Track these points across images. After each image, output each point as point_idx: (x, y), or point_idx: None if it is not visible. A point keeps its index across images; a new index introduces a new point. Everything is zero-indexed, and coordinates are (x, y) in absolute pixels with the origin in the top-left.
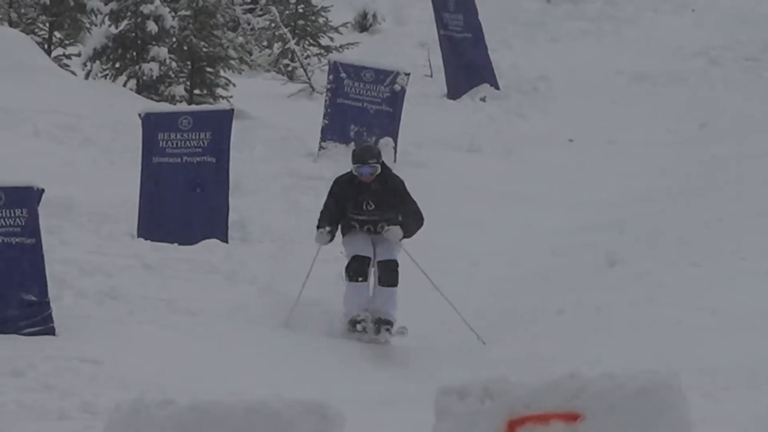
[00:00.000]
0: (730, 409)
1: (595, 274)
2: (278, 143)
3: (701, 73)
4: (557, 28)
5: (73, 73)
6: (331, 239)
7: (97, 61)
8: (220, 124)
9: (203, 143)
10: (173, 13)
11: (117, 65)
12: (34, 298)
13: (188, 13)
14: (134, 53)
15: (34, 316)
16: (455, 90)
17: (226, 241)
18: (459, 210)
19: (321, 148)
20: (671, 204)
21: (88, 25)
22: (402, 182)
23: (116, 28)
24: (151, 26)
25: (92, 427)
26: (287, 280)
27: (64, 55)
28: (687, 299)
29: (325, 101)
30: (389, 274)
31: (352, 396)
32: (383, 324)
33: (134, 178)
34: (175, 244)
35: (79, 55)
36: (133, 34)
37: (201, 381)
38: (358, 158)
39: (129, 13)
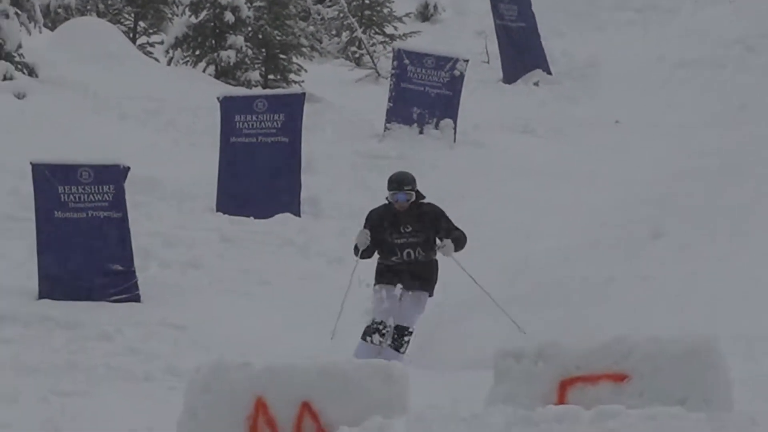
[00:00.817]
0: None
1: (641, 246)
2: (346, 125)
3: (739, 59)
4: (605, 18)
5: (157, 60)
6: (367, 253)
7: (179, 49)
8: (293, 106)
9: (277, 124)
10: (249, 4)
11: (197, 53)
12: (121, 268)
13: (263, 3)
14: (213, 41)
15: (121, 285)
16: (510, 75)
17: (299, 216)
18: (514, 187)
19: (386, 129)
20: (712, 181)
21: (170, 16)
22: (441, 210)
23: (196, 18)
24: (229, 16)
25: (175, 387)
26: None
27: (148, 43)
28: (727, 271)
29: (390, 86)
30: (399, 341)
31: (415, 360)
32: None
33: (213, 157)
34: (251, 218)
35: (161, 43)
36: (212, 24)
37: (276, 344)
38: (394, 185)
39: (208, 4)
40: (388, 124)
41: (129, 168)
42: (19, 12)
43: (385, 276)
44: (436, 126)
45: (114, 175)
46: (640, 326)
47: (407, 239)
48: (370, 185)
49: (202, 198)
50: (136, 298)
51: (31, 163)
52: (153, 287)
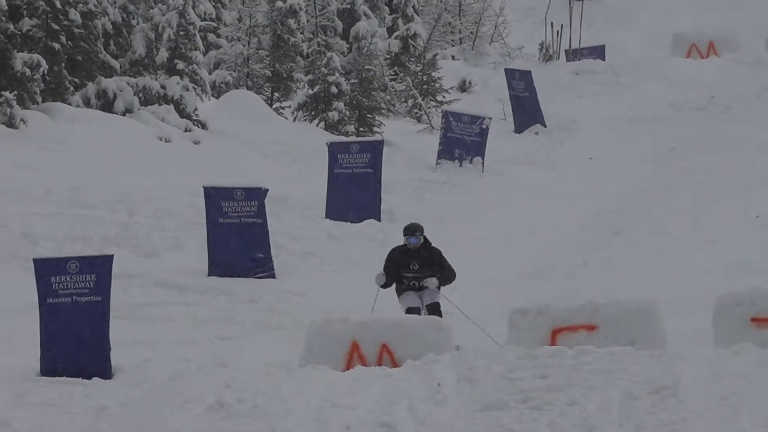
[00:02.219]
0: (693, 326)
1: (607, 241)
2: (411, 161)
3: (670, 116)
4: (582, 89)
5: (286, 118)
6: (386, 285)
7: (301, 111)
8: (376, 149)
9: (365, 160)
10: (347, 81)
11: (312, 113)
12: (262, 255)
13: (356, 81)
14: (323, 105)
15: (262, 267)
16: (519, 127)
17: (380, 221)
18: (522, 201)
19: (437, 163)
20: (652, 197)
21: (294, 89)
22: (440, 251)
23: (311, 90)
24: (333, 89)
25: (294, 336)
26: None
27: (280, 107)
28: (664, 255)
29: (440, 135)
30: (435, 313)
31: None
32: None
33: (323, 182)
34: (348, 223)
35: (289, 107)
36: (322, 94)
37: (364, 305)
38: (408, 231)
39: (320, 81)
40: (438, 161)
41: (267, 189)
42: (195, 86)
43: (403, 290)
44: (470, 161)
45: (258, 194)
46: (606, 292)
47: (414, 275)
48: (426, 200)
49: (315, 209)
50: (272, 276)
51: (203, 186)
52: (283, 268)
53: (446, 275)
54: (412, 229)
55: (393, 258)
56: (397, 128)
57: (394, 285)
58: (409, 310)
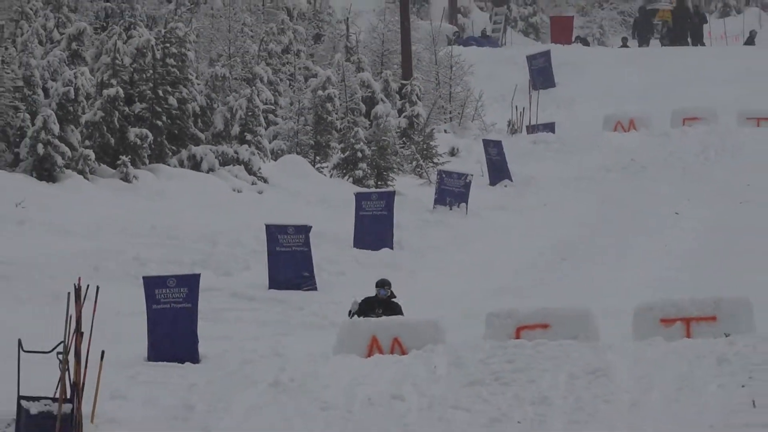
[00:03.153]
0: (619, 325)
1: (556, 265)
2: (414, 204)
3: (602, 175)
4: (538, 155)
5: (324, 175)
6: (356, 312)
7: (335, 170)
8: (390, 197)
9: (382, 205)
10: (369, 148)
11: (343, 172)
12: (307, 274)
13: (375, 148)
14: (351, 166)
15: (308, 282)
16: (493, 181)
17: (392, 249)
18: (494, 236)
19: (434, 208)
20: (591, 233)
21: (330, 154)
22: (401, 306)
23: (343, 155)
24: (359, 154)
25: (330, 332)
26: (425, 267)
27: (320, 167)
28: (599, 276)
29: (435, 188)
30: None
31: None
32: None
33: (351, 221)
34: (370, 251)
35: (327, 167)
36: (351, 158)
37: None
38: (379, 285)
39: (349, 149)
40: (434, 206)
41: (311, 226)
42: (259, 152)
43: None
44: (458, 206)
45: (304, 230)
46: (556, 301)
47: (377, 318)
48: (426, 234)
49: (346, 241)
50: (315, 289)
51: (265, 224)
52: (322, 284)
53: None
54: (382, 284)
55: (363, 305)
56: (405, 182)
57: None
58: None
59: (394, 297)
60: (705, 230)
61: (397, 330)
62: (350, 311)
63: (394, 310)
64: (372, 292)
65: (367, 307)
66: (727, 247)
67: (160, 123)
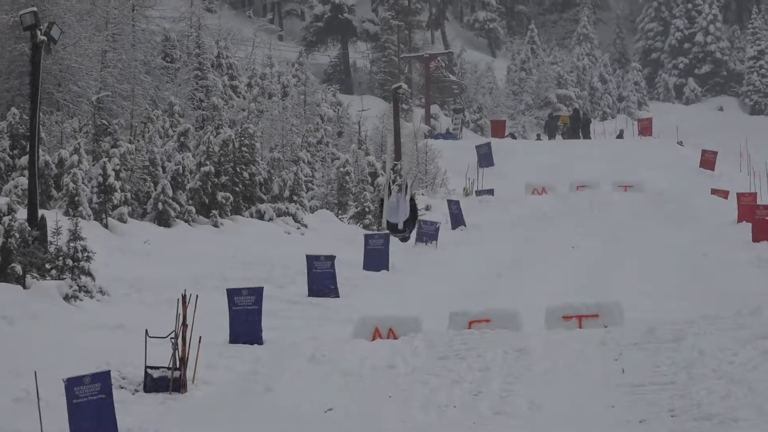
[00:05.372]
0: (536, 320)
1: (494, 279)
2: (402, 244)
3: (525, 221)
4: (483, 209)
5: (345, 222)
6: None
7: (351, 219)
8: (387, 237)
9: (382, 242)
10: (373, 206)
11: (357, 220)
12: (333, 287)
13: (377, 205)
14: (361, 216)
15: (333, 291)
16: (454, 226)
17: (388, 270)
18: (454, 262)
19: (415, 243)
20: (518, 257)
21: (348, 209)
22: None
23: (356, 210)
24: (367, 210)
25: (348, 325)
26: (410, 282)
27: (341, 217)
28: (524, 286)
29: (417, 230)
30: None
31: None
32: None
33: (361, 252)
34: (373, 271)
35: (346, 217)
36: (361, 212)
37: (385, 309)
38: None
39: (360, 206)
40: (416, 242)
41: (335, 256)
42: (302, 208)
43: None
44: (431, 243)
45: (331, 258)
46: (496, 304)
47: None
48: (409, 260)
49: (358, 265)
50: (338, 296)
51: (306, 255)
52: (342, 293)
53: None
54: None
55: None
56: None
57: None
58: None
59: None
60: (592, 257)
61: (391, 323)
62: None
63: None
64: (378, 302)
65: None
66: (606, 267)
67: (237, 189)
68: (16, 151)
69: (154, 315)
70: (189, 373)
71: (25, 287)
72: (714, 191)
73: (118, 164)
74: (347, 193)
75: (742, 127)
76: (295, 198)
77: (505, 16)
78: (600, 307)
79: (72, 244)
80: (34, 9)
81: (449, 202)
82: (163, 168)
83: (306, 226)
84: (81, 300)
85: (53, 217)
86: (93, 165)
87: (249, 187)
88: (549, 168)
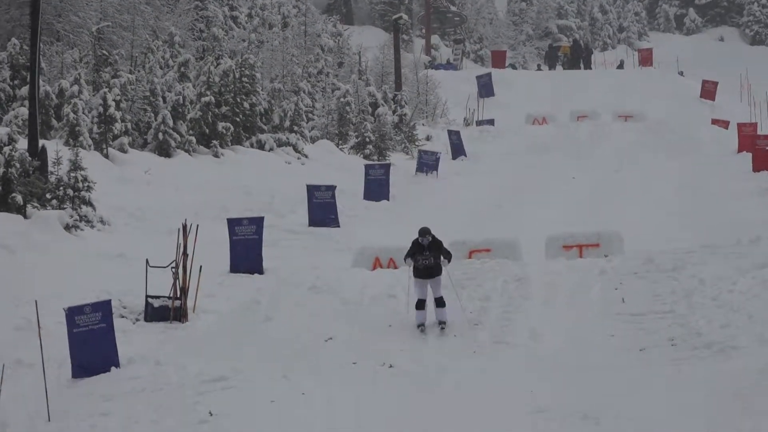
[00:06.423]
0: (535, 248)
1: (494, 209)
2: (403, 172)
3: (523, 151)
4: (483, 139)
5: (345, 153)
6: (412, 265)
7: (352, 150)
8: (387, 167)
9: (382, 172)
10: (374, 135)
11: (357, 150)
12: (333, 216)
13: (377, 135)
14: (362, 147)
15: (333, 222)
16: (454, 156)
17: (389, 200)
18: (454, 191)
19: (416, 173)
20: (518, 188)
21: (348, 140)
22: (441, 242)
23: (357, 140)
24: (367, 140)
25: (348, 255)
26: (410, 211)
27: (342, 147)
28: (524, 216)
29: (417, 160)
30: (440, 303)
31: None
32: (442, 324)
33: (361, 182)
34: (374, 201)
35: (347, 147)
36: (362, 142)
37: (383, 239)
38: (421, 233)
39: (360, 136)
40: (416, 172)
41: (336, 186)
42: (302, 138)
43: (418, 271)
44: (432, 173)
45: (332, 188)
46: (494, 233)
47: (426, 260)
48: (410, 190)
49: (358, 195)
50: (338, 226)
51: (306, 185)
52: (342, 223)
53: (447, 255)
54: (423, 233)
55: (414, 245)
56: (397, 157)
57: (412, 265)
58: (418, 302)
59: (436, 238)
60: (591, 187)
61: (392, 253)
62: (409, 265)
63: (439, 247)
64: (378, 232)
65: (416, 249)
66: (606, 197)
67: (238, 119)
68: (16, 82)
69: (155, 244)
70: (189, 303)
71: (25, 217)
72: (714, 121)
73: (118, 94)
74: (347, 124)
75: (743, 57)
76: (295, 128)
77: None
78: (600, 236)
79: (72, 174)
80: None
81: (450, 132)
82: (164, 98)
83: (306, 156)
84: (82, 229)
85: (54, 147)
86: (93, 95)
87: (249, 118)
88: (549, 98)
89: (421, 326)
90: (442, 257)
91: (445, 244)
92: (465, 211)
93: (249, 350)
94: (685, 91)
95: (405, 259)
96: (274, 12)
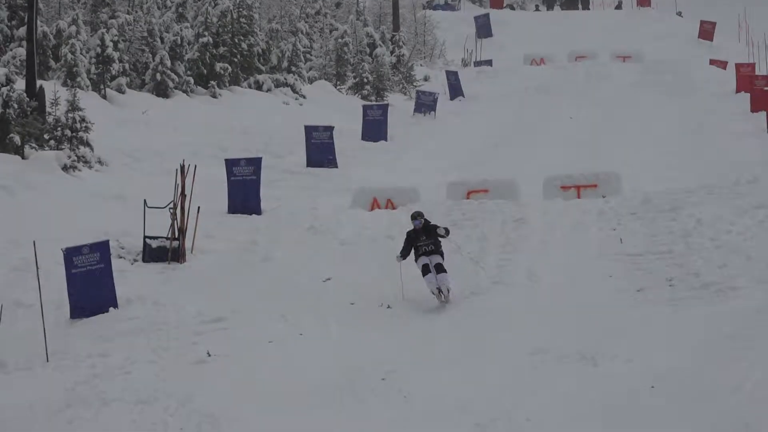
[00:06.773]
0: (533, 190)
1: (492, 150)
2: (401, 113)
3: (521, 92)
4: (481, 80)
5: (343, 93)
6: (403, 258)
7: (350, 90)
8: (386, 107)
9: (380, 112)
10: (372, 76)
11: (355, 91)
12: (331, 157)
13: (375, 76)
14: (360, 87)
15: (331, 162)
16: (452, 96)
17: (387, 141)
18: (453, 132)
19: (414, 114)
20: (514, 129)
21: (347, 80)
22: (434, 224)
23: (355, 80)
24: (365, 80)
25: (347, 195)
26: (408, 152)
27: (340, 88)
28: (522, 157)
29: (415, 101)
30: (440, 269)
31: (425, 183)
32: (446, 289)
33: (359, 123)
34: (371, 141)
35: (345, 88)
36: (360, 82)
37: (382, 179)
38: (413, 216)
39: (358, 77)
40: (414, 112)
41: (333, 126)
42: (300, 78)
43: (419, 255)
44: (430, 113)
45: (329, 128)
46: (492, 174)
47: (424, 243)
48: (408, 131)
49: (356, 135)
50: (336, 167)
51: (304, 125)
52: (341, 163)
53: (444, 233)
54: (415, 216)
55: (410, 237)
56: (395, 98)
57: (412, 253)
58: (424, 267)
59: (428, 221)
60: (589, 128)
61: (390, 193)
62: (399, 261)
63: (432, 231)
64: (376, 172)
65: (414, 236)
66: (603, 138)
67: (235, 60)
68: (14, 22)
69: (153, 185)
70: (188, 243)
71: (23, 157)
72: (713, 62)
73: (116, 35)
74: (345, 64)
75: None
76: (293, 69)
77: None
78: (598, 176)
79: (70, 115)
80: None
81: (447, 72)
82: (162, 39)
83: (304, 97)
84: (79, 170)
85: (51, 88)
86: (91, 36)
87: (247, 58)
88: (547, 39)
89: (437, 291)
90: (439, 238)
91: (444, 185)
92: (463, 151)
93: (247, 291)
94: (683, 31)
95: (397, 258)
96: None
